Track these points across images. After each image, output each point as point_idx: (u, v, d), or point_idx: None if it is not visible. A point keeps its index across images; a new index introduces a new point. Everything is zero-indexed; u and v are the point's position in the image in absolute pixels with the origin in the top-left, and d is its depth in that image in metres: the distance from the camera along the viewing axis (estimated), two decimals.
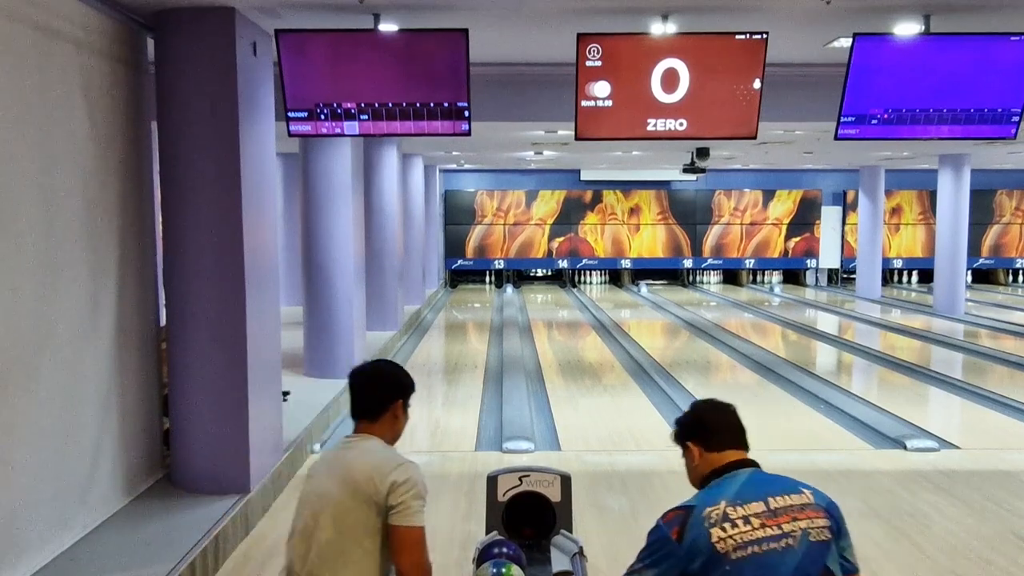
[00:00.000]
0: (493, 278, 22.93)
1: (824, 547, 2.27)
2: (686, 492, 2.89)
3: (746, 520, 2.24)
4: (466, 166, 21.14)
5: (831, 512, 2.33)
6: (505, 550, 3.38)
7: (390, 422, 2.78)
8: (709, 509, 2.27)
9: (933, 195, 18.89)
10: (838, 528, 2.33)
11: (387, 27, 5.70)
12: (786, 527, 2.25)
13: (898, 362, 11.25)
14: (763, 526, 2.24)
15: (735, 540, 2.21)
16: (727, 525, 2.23)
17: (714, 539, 2.22)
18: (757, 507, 2.27)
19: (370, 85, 5.79)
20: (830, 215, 22.68)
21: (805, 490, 2.34)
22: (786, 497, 2.30)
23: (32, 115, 4.16)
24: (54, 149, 4.35)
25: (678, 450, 2.59)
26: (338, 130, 5.91)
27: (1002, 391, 9.19)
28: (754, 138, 6.16)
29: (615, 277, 22.88)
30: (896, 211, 22.52)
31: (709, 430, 2.50)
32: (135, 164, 5.22)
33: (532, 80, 8.17)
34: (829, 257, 22.81)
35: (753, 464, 2.42)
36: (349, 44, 5.74)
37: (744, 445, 2.49)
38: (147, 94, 5.39)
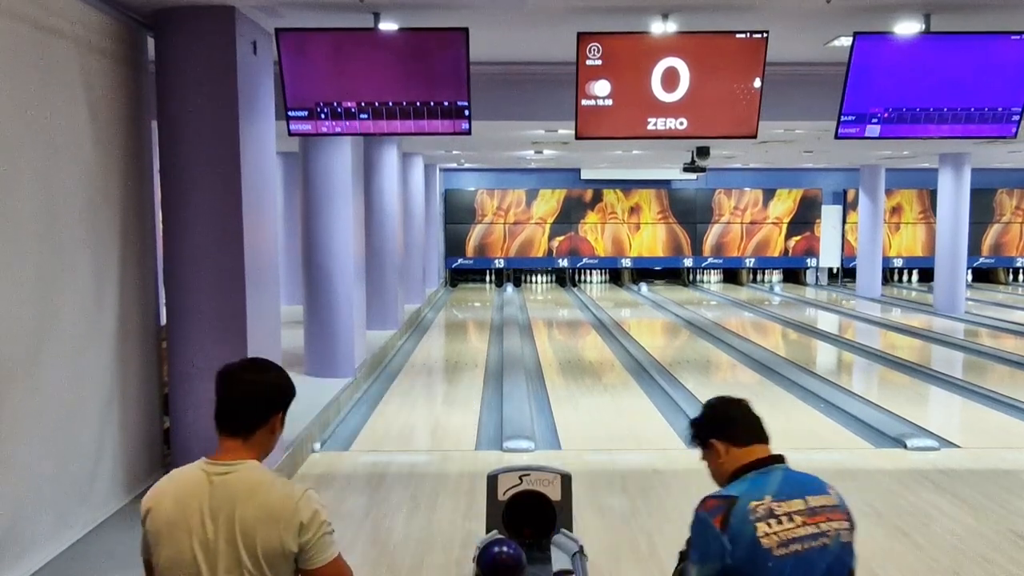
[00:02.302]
0: (493, 277, 22.94)
1: (850, 548, 2.31)
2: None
3: (790, 517, 2.24)
4: (466, 165, 21.15)
5: (849, 514, 2.35)
6: (506, 549, 3.38)
7: (265, 438, 2.26)
8: (754, 503, 2.24)
9: (933, 194, 18.89)
10: (852, 528, 2.36)
11: (387, 26, 5.70)
12: (823, 526, 2.26)
13: (898, 361, 11.25)
14: (804, 524, 2.24)
15: (779, 536, 2.21)
16: (772, 521, 2.22)
17: (759, 533, 2.20)
18: (798, 504, 2.27)
19: (370, 84, 5.79)
20: (830, 214, 22.69)
21: (831, 491, 2.35)
22: (820, 497, 2.31)
23: (33, 114, 4.16)
24: (55, 148, 4.35)
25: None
26: (338, 129, 5.91)
27: (1002, 390, 9.19)
28: (754, 137, 6.17)
29: (615, 276, 22.89)
30: (896, 210, 22.52)
31: (734, 425, 2.45)
32: (135, 163, 5.22)
33: (532, 79, 8.18)
34: (829, 256, 22.82)
35: (782, 459, 2.40)
36: (349, 43, 5.74)
37: (766, 438, 2.46)
38: (147, 93, 5.39)
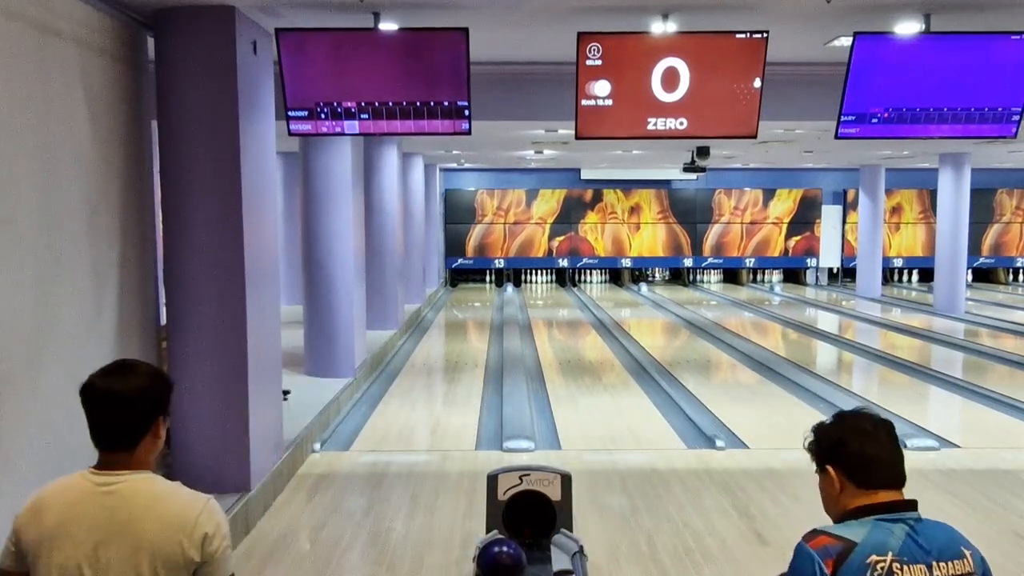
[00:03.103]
0: (493, 277, 22.94)
1: None
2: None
3: None
4: (466, 165, 21.15)
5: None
6: (506, 549, 3.39)
7: (150, 444, 2.12)
8: (875, 557, 1.98)
9: (933, 194, 18.89)
10: None
11: (387, 26, 5.70)
12: None
13: (898, 361, 11.25)
14: None
15: None
16: None
17: None
18: (919, 571, 2.01)
19: (370, 84, 5.79)
20: (830, 214, 22.69)
21: (967, 551, 2.08)
22: (949, 564, 2.04)
23: (32, 114, 4.15)
24: (54, 148, 4.34)
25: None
26: (338, 129, 5.91)
27: (1002, 390, 9.19)
28: (754, 137, 6.17)
29: (615, 276, 22.90)
30: (896, 210, 22.52)
31: (862, 465, 2.08)
32: (135, 163, 5.21)
33: (532, 79, 8.17)
34: (829, 256, 22.82)
35: (913, 506, 2.09)
36: (349, 43, 5.74)
37: (901, 482, 2.12)
38: (147, 93, 5.39)
